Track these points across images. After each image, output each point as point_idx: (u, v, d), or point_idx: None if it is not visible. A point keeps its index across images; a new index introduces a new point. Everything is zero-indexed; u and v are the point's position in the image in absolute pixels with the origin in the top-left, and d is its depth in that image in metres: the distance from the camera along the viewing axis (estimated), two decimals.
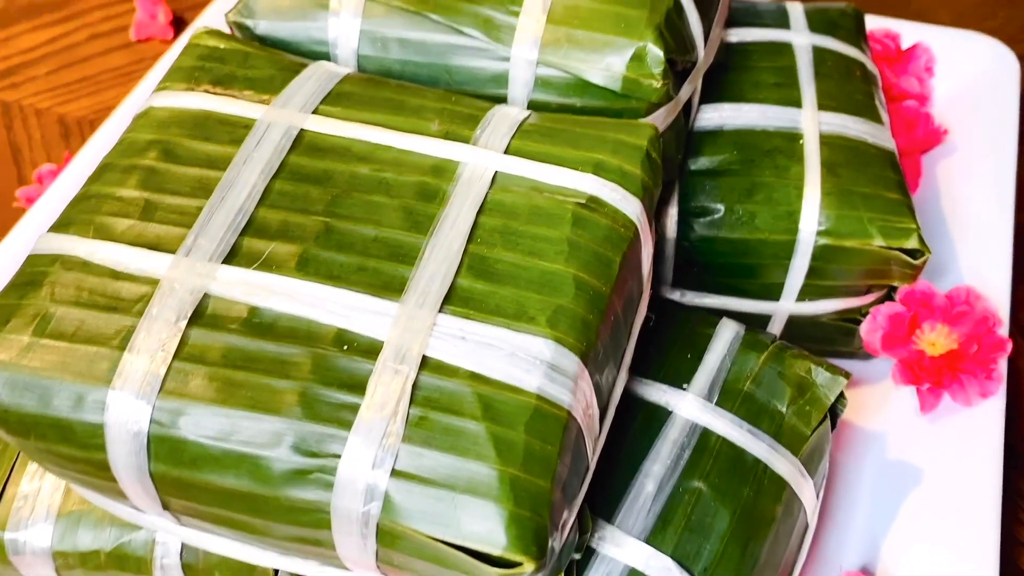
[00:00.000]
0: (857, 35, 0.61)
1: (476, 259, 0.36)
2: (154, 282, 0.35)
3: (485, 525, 0.32)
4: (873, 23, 0.70)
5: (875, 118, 0.56)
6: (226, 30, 0.46)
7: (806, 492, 0.46)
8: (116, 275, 0.36)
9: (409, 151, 0.39)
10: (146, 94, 0.68)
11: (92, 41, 0.86)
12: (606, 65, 0.43)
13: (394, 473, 0.32)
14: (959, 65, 0.70)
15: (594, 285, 0.36)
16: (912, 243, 0.51)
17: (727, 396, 0.46)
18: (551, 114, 0.42)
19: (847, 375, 0.47)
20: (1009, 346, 0.52)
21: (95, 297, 0.35)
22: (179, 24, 0.86)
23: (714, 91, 0.56)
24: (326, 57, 0.46)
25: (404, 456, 0.32)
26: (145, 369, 0.33)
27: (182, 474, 0.33)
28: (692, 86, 0.49)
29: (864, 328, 0.55)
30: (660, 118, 0.46)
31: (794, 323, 0.55)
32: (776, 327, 0.56)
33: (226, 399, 0.33)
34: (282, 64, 0.43)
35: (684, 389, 0.46)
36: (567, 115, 0.42)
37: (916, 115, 0.66)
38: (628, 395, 0.46)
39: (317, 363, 0.34)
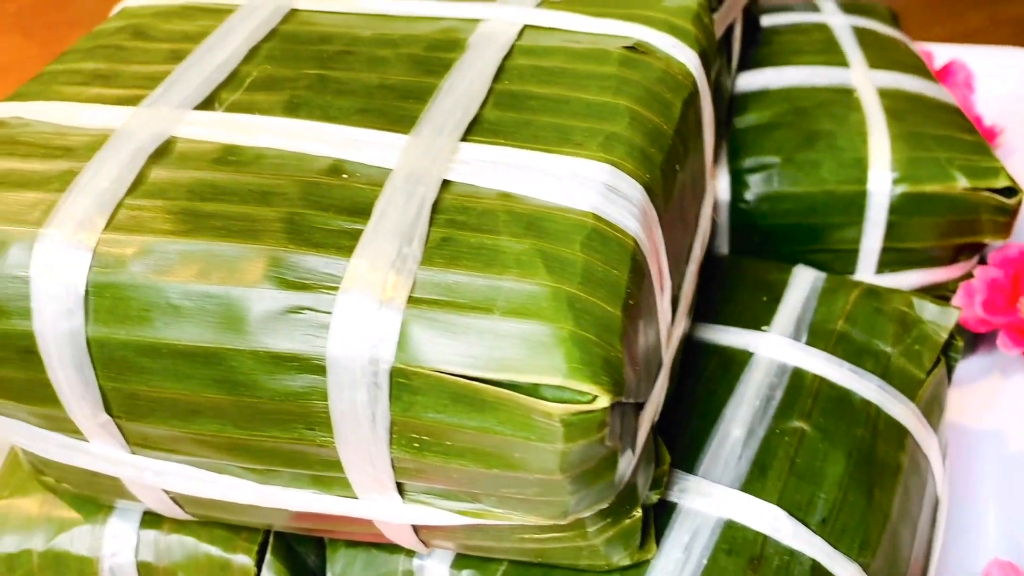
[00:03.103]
0: (894, 23, 0.57)
1: (505, 95, 0.30)
2: (109, 132, 0.28)
3: (536, 350, 0.23)
4: None
5: (929, 77, 0.50)
6: None
7: (932, 449, 0.36)
8: (63, 129, 0.29)
9: (419, 16, 0.33)
10: None
11: None
12: None
13: (412, 301, 0.24)
14: (1000, 80, 0.65)
15: (654, 120, 0.29)
16: (1002, 181, 0.44)
17: (817, 336, 0.37)
18: None
19: (958, 308, 0.39)
20: None
21: (32, 148, 0.28)
22: None
23: (751, 62, 0.51)
24: None
25: (424, 280, 0.24)
26: (87, 207, 0.26)
27: (129, 335, 0.25)
28: (729, 18, 0.44)
29: (957, 303, 0.47)
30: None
31: None
32: None
33: (190, 230, 0.25)
34: None
35: (764, 331, 0.37)
36: None
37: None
38: (696, 342, 0.38)
39: (308, 191, 0.26)
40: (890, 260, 0.46)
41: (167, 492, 0.30)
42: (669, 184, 0.29)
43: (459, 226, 0.25)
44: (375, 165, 0.27)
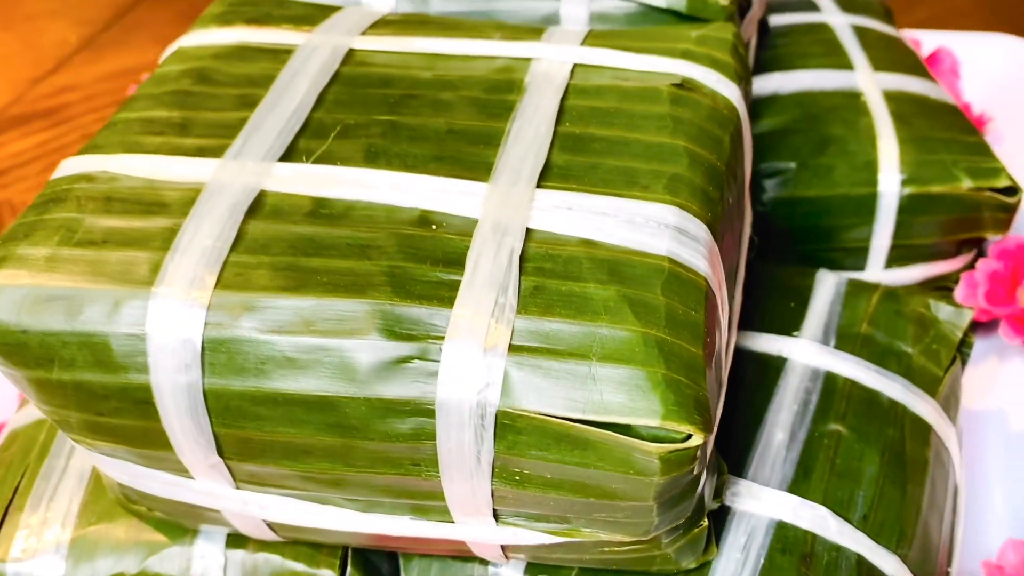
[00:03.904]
0: (888, 19, 0.59)
1: (569, 138, 0.31)
2: (200, 186, 0.30)
3: (635, 393, 0.25)
4: None
5: (929, 77, 0.53)
6: None
7: (951, 440, 0.39)
8: (153, 184, 0.30)
9: (473, 55, 0.35)
10: None
11: (84, 140, 0.83)
12: None
13: (512, 349, 0.26)
14: (985, 66, 0.68)
15: (708, 159, 0.31)
16: (1003, 181, 0.47)
17: (844, 340, 0.40)
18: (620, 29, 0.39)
19: (971, 308, 0.42)
20: None
21: (129, 205, 0.30)
22: None
23: (760, 66, 0.53)
24: None
25: (522, 328, 0.26)
26: (195, 266, 0.27)
27: (245, 386, 0.27)
28: (747, 34, 0.46)
29: (959, 294, 0.50)
30: None
31: None
32: None
33: (299, 286, 0.27)
34: (319, 5, 0.39)
35: (795, 336, 0.40)
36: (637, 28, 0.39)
37: None
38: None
39: (403, 243, 0.28)
40: (898, 256, 0.49)
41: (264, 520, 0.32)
42: (724, 217, 0.31)
43: (547, 274, 0.27)
44: (460, 215, 0.29)
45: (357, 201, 0.29)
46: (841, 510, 0.34)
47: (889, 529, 0.34)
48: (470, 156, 0.31)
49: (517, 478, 0.27)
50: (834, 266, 0.49)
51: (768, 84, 0.51)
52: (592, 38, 0.36)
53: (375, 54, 0.35)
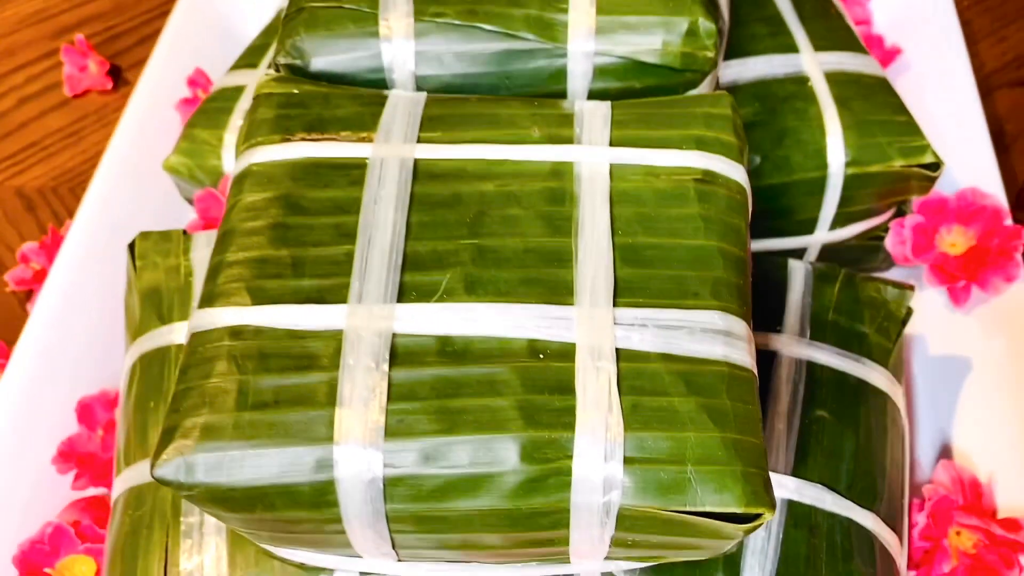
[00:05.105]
0: None
1: (625, 250, 0.38)
2: (337, 334, 0.36)
3: (723, 488, 0.34)
4: None
5: (861, 50, 0.60)
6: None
7: (899, 398, 0.50)
8: (294, 335, 0.36)
9: (523, 160, 0.41)
10: (122, 149, 0.67)
11: (23, 106, 0.82)
12: (663, 44, 0.46)
13: (626, 461, 0.34)
14: None
15: (735, 252, 0.39)
16: (928, 158, 0.56)
17: (817, 329, 0.50)
18: (629, 101, 0.45)
19: (911, 287, 0.52)
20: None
21: (283, 361, 0.35)
22: (116, 73, 0.83)
23: None
24: (383, 83, 0.47)
25: (630, 444, 0.34)
26: (363, 418, 0.34)
27: (421, 509, 0.35)
28: (721, 53, 0.52)
29: (889, 242, 0.60)
30: (709, 84, 0.48)
31: (826, 250, 0.60)
32: (811, 256, 0.60)
33: (452, 428, 0.34)
34: (362, 99, 0.43)
35: (779, 331, 0.49)
36: (646, 99, 0.45)
37: (868, 39, 0.71)
38: None
39: (522, 376, 0.35)
40: (839, 220, 0.58)
41: None
42: (750, 299, 0.39)
43: (638, 391, 0.35)
44: (559, 340, 0.36)
45: (474, 336, 0.36)
46: (832, 484, 0.45)
47: (867, 493, 0.45)
48: (549, 276, 0.37)
49: (629, 543, 0.36)
50: (787, 233, 0.59)
51: (728, 73, 0.58)
52: (617, 128, 0.42)
53: (436, 163, 0.41)
